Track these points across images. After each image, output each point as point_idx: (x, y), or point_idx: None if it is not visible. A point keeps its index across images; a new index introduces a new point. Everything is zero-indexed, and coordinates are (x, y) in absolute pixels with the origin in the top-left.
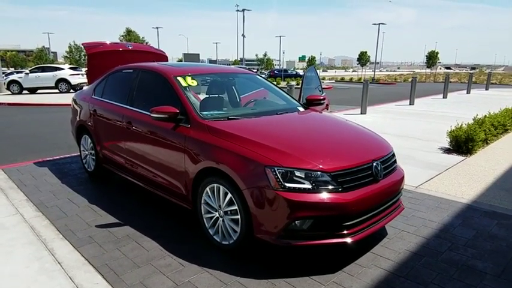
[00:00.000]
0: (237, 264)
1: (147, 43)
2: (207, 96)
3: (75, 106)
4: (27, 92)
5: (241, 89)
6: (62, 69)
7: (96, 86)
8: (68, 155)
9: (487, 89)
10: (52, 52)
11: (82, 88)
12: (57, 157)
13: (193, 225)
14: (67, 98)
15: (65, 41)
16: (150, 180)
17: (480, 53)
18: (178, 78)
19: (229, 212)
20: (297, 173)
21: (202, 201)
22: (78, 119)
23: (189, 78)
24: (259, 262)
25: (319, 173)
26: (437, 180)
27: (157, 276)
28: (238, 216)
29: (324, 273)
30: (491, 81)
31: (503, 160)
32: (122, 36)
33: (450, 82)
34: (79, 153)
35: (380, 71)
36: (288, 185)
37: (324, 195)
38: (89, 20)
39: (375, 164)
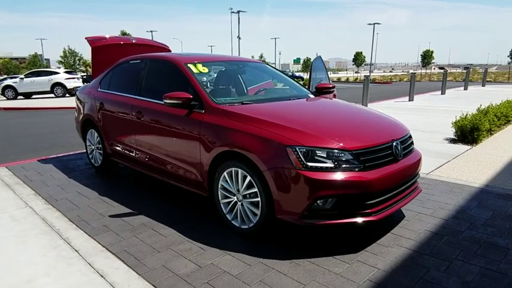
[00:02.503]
0: (258, 247)
1: None
2: (217, 86)
3: (79, 101)
4: (22, 97)
5: (249, 79)
6: (58, 73)
7: (101, 79)
8: (72, 153)
9: (483, 85)
10: (45, 59)
11: None
12: (61, 155)
13: (207, 211)
14: (64, 102)
15: (57, 48)
16: (162, 169)
17: (473, 53)
18: (189, 65)
19: (248, 196)
20: (319, 152)
21: (219, 187)
22: (83, 113)
23: (199, 65)
24: (279, 245)
25: (340, 151)
26: (446, 168)
27: (179, 260)
28: (259, 199)
29: (347, 253)
30: (486, 80)
31: (510, 148)
32: None
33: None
34: (85, 149)
35: (378, 71)
36: (310, 164)
37: (347, 174)
38: (82, 26)
39: (394, 143)
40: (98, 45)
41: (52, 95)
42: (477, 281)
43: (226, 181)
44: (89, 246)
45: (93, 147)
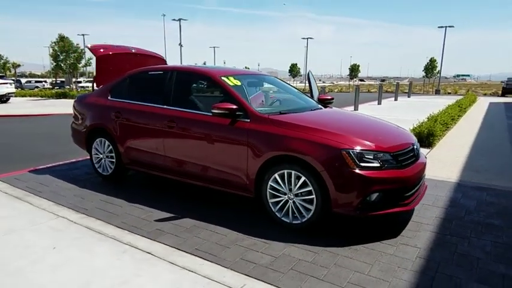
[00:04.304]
0: (314, 238)
1: (82, 50)
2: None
3: (81, 110)
4: None
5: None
6: None
7: (112, 88)
8: (61, 163)
9: (409, 96)
10: None
11: (9, 99)
12: (50, 165)
13: (247, 211)
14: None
15: None
16: (199, 175)
17: (388, 66)
18: (223, 78)
19: (300, 194)
20: (366, 155)
21: (268, 187)
22: (89, 122)
23: (231, 78)
24: (330, 235)
25: (383, 153)
26: None
27: (252, 253)
28: (313, 196)
29: (388, 239)
30: (405, 91)
31: (458, 150)
32: (54, 42)
33: (370, 92)
34: (90, 158)
35: (304, 82)
36: (362, 164)
37: (390, 172)
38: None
39: (414, 146)
40: (103, 55)
41: None
42: (494, 251)
43: (277, 182)
44: (157, 248)
45: (101, 156)
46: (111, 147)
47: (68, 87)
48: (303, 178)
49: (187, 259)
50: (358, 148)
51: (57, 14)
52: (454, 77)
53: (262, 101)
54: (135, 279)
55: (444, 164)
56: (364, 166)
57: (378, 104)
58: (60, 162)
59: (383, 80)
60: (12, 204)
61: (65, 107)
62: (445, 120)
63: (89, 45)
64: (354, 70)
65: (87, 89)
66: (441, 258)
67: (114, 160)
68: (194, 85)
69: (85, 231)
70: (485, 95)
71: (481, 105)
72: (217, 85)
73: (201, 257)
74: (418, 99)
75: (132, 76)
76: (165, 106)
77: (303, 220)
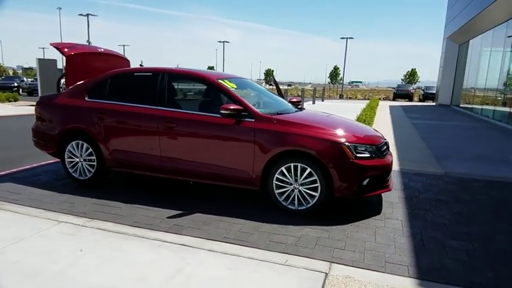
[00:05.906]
0: (319, 221)
1: None
2: None
3: (49, 112)
4: None
5: None
6: None
7: (89, 88)
8: (16, 169)
9: (323, 100)
10: None
11: None
12: (4, 172)
13: (251, 202)
14: None
15: None
16: (201, 173)
17: (293, 72)
18: (220, 81)
19: (305, 183)
20: (359, 147)
21: (275, 180)
22: (64, 125)
23: (227, 81)
24: (328, 216)
25: (371, 145)
26: None
27: (275, 236)
28: (318, 184)
29: (374, 215)
30: (315, 95)
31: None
32: None
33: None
34: (63, 163)
35: None
36: (358, 155)
37: (378, 160)
38: None
39: (387, 141)
40: (73, 54)
41: None
42: (452, 218)
43: (283, 174)
44: (189, 240)
45: (77, 159)
46: (90, 150)
47: None
48: (308, 169)
49: (223, 246)
50: (353, 142)
51: None
52: (349, 83)
53: None
54: (187, 267)
55: None
56: (359, 157)
57: None
58: (14, 170)
59: (289, 85)
60: None
61: None
62: (368, 120)
63: (53, 44)
64: (268, 75)
65: None
66: (420, 225)
67: (94, 163)
68: (191, 87)
69: (101, 233)
70: (379, 99)
71: (384, 108)
72: (217, 88)
73: (234, 244)
74: (331, 103)
75: (115, 77)
76: (162, 107)
77: (308, 206)
